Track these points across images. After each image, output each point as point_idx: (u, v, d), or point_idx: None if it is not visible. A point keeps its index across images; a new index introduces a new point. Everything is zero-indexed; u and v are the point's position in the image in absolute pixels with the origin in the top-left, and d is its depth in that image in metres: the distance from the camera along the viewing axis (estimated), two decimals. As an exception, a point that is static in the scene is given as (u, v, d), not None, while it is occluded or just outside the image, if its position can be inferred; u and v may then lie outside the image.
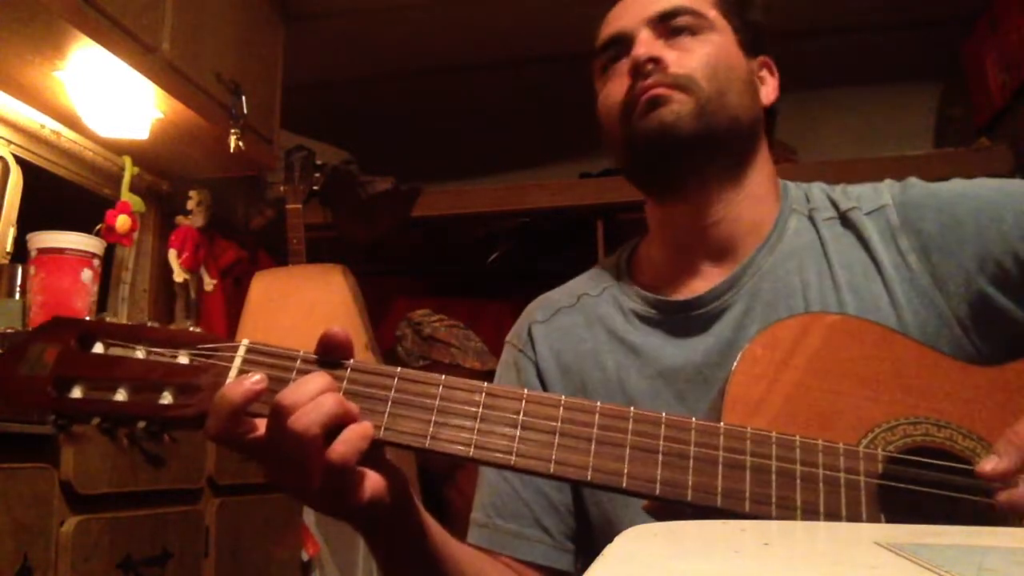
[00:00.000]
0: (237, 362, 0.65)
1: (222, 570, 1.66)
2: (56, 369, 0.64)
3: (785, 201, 0.89)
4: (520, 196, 2.82)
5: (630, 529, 0.45)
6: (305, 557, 2.06)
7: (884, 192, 0.85)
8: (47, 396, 0.63)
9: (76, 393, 0.64)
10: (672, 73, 0.83)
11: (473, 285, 3.17)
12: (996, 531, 0.54)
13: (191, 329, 0.67)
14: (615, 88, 0.87)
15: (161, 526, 1.50)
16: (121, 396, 0.64)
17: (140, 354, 0.65)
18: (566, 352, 0.90)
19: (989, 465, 0.60)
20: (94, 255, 1.80)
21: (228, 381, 0.63)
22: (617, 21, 0.89)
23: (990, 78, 2.48)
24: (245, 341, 0.66)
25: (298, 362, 0.65)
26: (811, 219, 0.87)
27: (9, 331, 1.46)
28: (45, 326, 0.66)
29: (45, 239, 1.75)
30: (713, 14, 0.87)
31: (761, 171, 0.89)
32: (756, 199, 0.87)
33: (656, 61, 0.83)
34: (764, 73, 0.91)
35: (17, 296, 1.76)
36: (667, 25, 0.86)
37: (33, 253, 1.75)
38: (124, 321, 1.91)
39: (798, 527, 0.59)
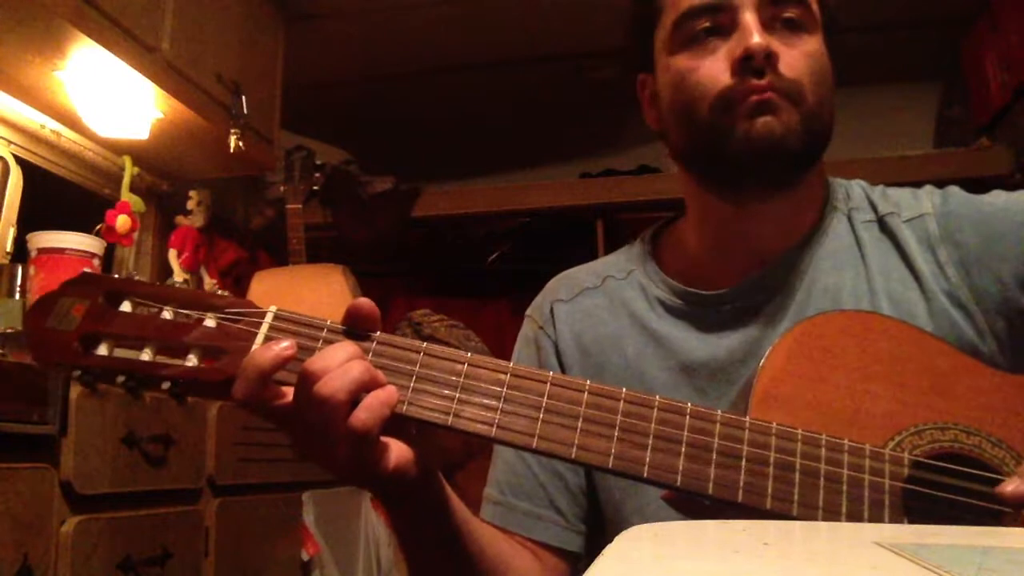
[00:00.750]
0: (264, 328, 0.64)
1: (222, 570, 1.66)
2: (83, 325, 0.64)
3: (827, 200, 0.87)
4: (520, 196, 2.83)
5: (630, 529, 0.45)
6: (305, 557, 2.06)
7: (924, 200, 0.83)
8: (73, 351, 0.63)
9: (102, 350, 0.64)
10: (785, 77, 0.76)
11: (473, 285, 3.17)
12: (996, 531, 0.54)
13: (219, 293, 0.67)
14: (711, 68, 0.78)
15: (161, 526, 1.50)
16: (147, 355, 0.64)
17: (168, 315, 0.65)
18: (587, 334, 0.89)
19: (1010, 487, 0.59)
20: (94, 255, 1.80)
21: (254, 347, 0.63)
22: None
23: (990, 78, 2.49)
24: (273, 308, 0.65)
25: (324, 331, 0.65)
26: (850, 219, 0.85)
27: (9, 331, 1.46)
28: (74, 281, 0.66)
29: (45, 239, 1.75)
30: (816, 9, 0.81)
31: (818, 175, 0.86)
32: (805, 201, 0.85)
33: (770, 57, 0.76)
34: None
35: (17, 296, 1.75)
36: (776, 13, 0.78)
37: (33, 253, 1.75)
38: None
39: (798, 527, 0.58)
